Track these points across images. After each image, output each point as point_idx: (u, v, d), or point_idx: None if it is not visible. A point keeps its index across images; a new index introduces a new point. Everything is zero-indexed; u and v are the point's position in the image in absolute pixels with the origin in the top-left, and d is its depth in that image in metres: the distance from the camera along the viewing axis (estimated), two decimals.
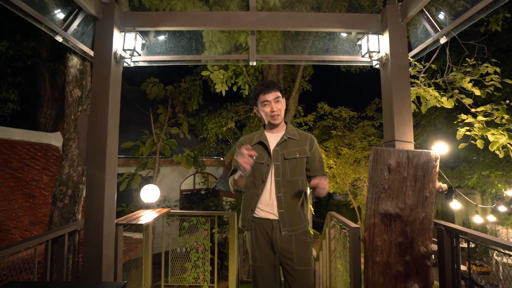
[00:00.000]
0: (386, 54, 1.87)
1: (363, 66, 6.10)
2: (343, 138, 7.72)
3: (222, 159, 9.24)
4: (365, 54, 1.94)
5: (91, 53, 2.01)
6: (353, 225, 2.09)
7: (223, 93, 3.86)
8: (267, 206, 1.55)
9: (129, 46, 1.87)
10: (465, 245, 1.64)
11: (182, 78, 6.22)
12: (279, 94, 1.57)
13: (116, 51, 1.85)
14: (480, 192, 6.33)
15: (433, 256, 1.65)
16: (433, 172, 1.70)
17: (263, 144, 1.61)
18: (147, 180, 6.33)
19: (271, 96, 1.56)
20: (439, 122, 6.45)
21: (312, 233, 6.42)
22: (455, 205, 2.79)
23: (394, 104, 1.80)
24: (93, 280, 1.64)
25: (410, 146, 1.79)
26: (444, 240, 1.65)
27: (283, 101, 1.61)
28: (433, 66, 2.18)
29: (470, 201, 2.81)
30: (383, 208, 1.70)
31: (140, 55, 1.96)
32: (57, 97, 5.30)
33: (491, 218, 4.25)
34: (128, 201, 6.05)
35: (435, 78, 2.20)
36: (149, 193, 2.76)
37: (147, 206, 2.75)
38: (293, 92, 5.67)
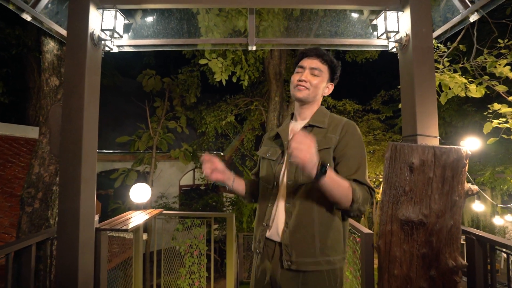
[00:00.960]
0: (406, 34, 1.60)
1: (375, 51, 5.80)
2: None
3: (222, 154, 9.01)
4: (382, 35, 1.68)
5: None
6: (365, 230, 1.86)
7: (224, 82, 3.59)
8: (275, 220, 1.09)
9: (108, 26, 1.62)
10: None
11: (180, 70, 5.94)
12: (320, 65, 1.12)
13: (93, 32, 1.60)
14: (490, 188, 6.09)
15: None
16: (462, 172, 1.45)
17: (279, 136, 1.20)
18: (144, 176, 6.12)
19: (309, 62, 1.12)
20: (448, 116, 6.17)
21: None
22: (478, 206, 2.54)
23: (416, 92, 1.54)
24: None
25: (435, 142, 1.54)
26: (476, 252, 1.41)
27: (324, 79, 1.14)
28: (461, 47, 1.88)
29: (492, 201, 2.56)
30: (404, 214, 1.46)
31: (121, 36, 1.71)
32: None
33: (509, 217, 3.98)
34: (125, 198, 5.86)
35: (459, 63, 1.93)
36: (140, 192, 2.53)
37: (137, 207, 2.53)
38: None
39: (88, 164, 1.58)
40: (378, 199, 8.32)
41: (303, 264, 1.01)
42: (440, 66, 1.91)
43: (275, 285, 1.05)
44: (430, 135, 1.53)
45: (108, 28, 1.61)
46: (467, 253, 1.47)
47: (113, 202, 6.30)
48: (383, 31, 1.64)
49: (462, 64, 1.90)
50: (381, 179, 8.29)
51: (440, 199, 1.42)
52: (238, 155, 8.24)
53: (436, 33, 1.72)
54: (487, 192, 5.84)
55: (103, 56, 1.87)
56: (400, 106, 2.30)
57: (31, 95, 4.95)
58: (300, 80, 1.11)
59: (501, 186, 5.70)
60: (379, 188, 8.65)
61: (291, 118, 1.25)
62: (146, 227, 4.16)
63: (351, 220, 2.26)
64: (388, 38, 1.67)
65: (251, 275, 1.19)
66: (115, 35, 1.67)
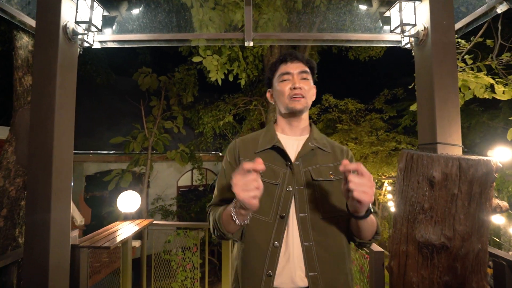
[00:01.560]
0: (424, 27, 1.40)
1: (381, 48, 5.58)
2: (349, 132, 7.25)
3: (220, 154, 8.82)
4: (396, 28, 1.47)
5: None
6: (375, 248, 1.67)
7: (219, 82, 3.39)
8: (287, 264, 0.86)
9: (83, 17, 1.41)
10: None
11: (176, 68, 5.74)
12: (306, 69, 1.00)
13: (66, 25, 1.40)
14: (497, 190, 5.89)
15: None
16: (491, 188, 1.25)
17: (279, 151, 0.95)
18: (140, 178, 5.93)
19: (295, 67, 0.98)
20: None
21: None
22: (497, 219, 2.35)
23: (435, 94, 1.34)
24: None
25: (457, 151, 1.34)
26: (507, 280, 1.22)
27: (311, 82, 1.01)
28: (488, 42, 1.67)
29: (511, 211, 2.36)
30: (423, 236, 1.26)
31: (100, 30, 1.50)
32: None
33: None
34: None
35: (477, 62, 1.72)
36: (128, 201, 2.34)
37: (126, 217, 2.34)
38: None
39: (61, 175, 1.39)
40: (381, 200, 8.13)
41: None
42: (461, 64, 1.71)
43: None
44: (452, 143, 1.33)
45: (83, 20, 1.41)
46: (495, 280, 1.28)
47: (108, 205, 6.13)
48: (398, 23, 1.44)
49: (486, 62, 1.69)
50: (383, 180, 8.09)
51: (466, 219, 1.22)
52: None
53: (457, 26, 1.52)
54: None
55: (81, 52, 1.67)
56: (412, 107, 2.10)
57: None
58: (294, 88, 0.95)
59: (509, 188, 5.51)
60: (382, 189, 8.46)
61: (274, 126, 1.06)
62: (141, 232, 3.99)
63: None
64: (402, 32, 1.47)
65: None
66: (92, 28, 1.47)
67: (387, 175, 7.54)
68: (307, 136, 1.01)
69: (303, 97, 0.96)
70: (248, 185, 0.68)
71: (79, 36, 1.51)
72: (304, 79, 0.98)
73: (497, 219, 2.43)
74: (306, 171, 0.93)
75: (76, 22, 1.42)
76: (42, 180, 1.33)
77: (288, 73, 0.98)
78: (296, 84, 0.95)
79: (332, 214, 0.91)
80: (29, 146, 1.34)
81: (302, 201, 0.90)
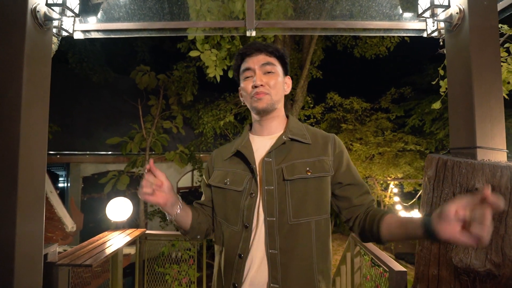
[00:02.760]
0: (460, 10, 1.18)
1: (391, 42, 5.28)
2: (354, 132, 7.03)
3: None
4: (425, 11, 1.25)
5: None
6: (396, 266, 1.44)
7: (218, 78, 3.18)
8: (254, 273, 0.79)
9: (57, 0, 1.20)
10: None
11: (175, 65, 5.53)
12: (270, 59, 0.88)
13: (35, 7, 1.19)
14: None
15: None
16: None
17: (242, 156, 0.88)
18: (137, 180, 5.74)
19: (256, 60, 0.87)
20: None
21: None
22: None
23: (474, 89, 1.12)
24: None
25: (502, 157, 1.12)
26: None
27: (280, 74, 0.90)
28: None
29: None
30: (462, 260, 1.05)
31: (77, 15, 1.29)
32: None
33: None
34: None
35: None
36: (118, 209, 2.13)
37: (116, 226, 2.13)
38: (301, 80, 4.95)
39: (30, 183, 1.18)
40: (386, 202, 7.89)
41: None
42: (503, 54, 1.48)
43: None
44: (495, 148, 1.11)
45: (56, 2, 1.20)
46: None
47: (106, 207, 5.94)
48: (427, 6, 1.21)
49: None
50: (389, 182, 7.86)
51: None
52: None
53: (499, 6, 1.29)
54: None
55: (59, 42, 1.46)
56: (435, 105, 1.87)
57: None
58: (255, 86, 0.85)
59: None
60: (387, 191, 8.22)
61: (250, 129, 0.99)
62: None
63: (372, 247, 1.85)
64: (433, 15, 1.24)
65: None
66: (68, 13, 1.26)
67: (393, 176, 7.31)
68: (281, 131, 0.92)
69: (267, 93, 0.86)
70: (142, 186, 0.75)
71: (54, 23, 1.30)
72: (269, 72, 0.87)
73: None
74: (278, 169, 0.84)
75: (48, 5, 1.21)
76: (5, 191, 1.12)
77: (249, 68, 0.88)
78: (257, 82, 0.85)
79: (304, 217, 0.81)
80: None
81: (271, 203, 0.81)
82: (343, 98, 6.85)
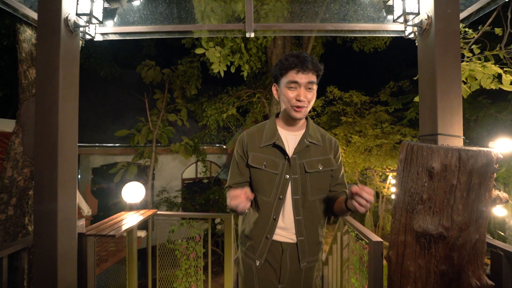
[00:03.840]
0: (428, 16, 1.38)
1: (387, 38, 5.45)
2: (353, 125, 7.21)
3: (224, 147, 8.85)
4: (399, 17, 1.45)
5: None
6: (374, 237, 1.68)
7: (222, 74, 3.38)
8: (282, 230, 1.16)
9: (84, 9, 1.42)
10: None
11: (179, 60, 5.72)
12: (314, 79, 1.09)
13: (67, 17, 1.41)
14: (503, 184, 5.83)
15: None
16: (491, 179, 1.25)
17: (280, 148, 1.15)
18: (145, 170, 6.01)
19: (305, 77, 1.06)
20: None
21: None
22: (499, 211, 2.33)
23: (438, 84, 1.33)
24: None
25: (459, 142, 1.33)
26: (504, 271, 1.22)
27: (315, 90, 1.12)
28: (497, 30, 1.61)
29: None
30: (420, 226, 1.27)
31: (101, 22, 1.51)
32: None
33: None
34: None
35: (486, 50, 1.68)
36: (133, 192, 2.38)
37: (130, 207, 2.39)
38: None
39: (66, 165, 1.43)
40: (385, 193, 8.11)
41: (312, 262, 1.20)
42: (468, 54, 1.67)
43: (283, 277, 1.17)
44: (453, 134, 1.32)
45: (84, 12, 1.42)
46: (493, 270, 1.29)
47: (114, 197, 6.24)
48: (401, 13, 1.42)
49: (494, 51, 1.64)
50: (388, 173, 8.06)
51: (464, 210, 1.23)
52: None
53: (463, 14, 1.49)
54: (500, 188, 5.59)
55: (83, 45, 1.68)
56: (416, 99, 2.07)
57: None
58: (299, 100, 1.07)
59: None
60: (386, 182, 8.43)
61: (276, 120, 1.23)
62: (147, 223, 4.08)
63: (356, 223, 2.09)
64: (406, 21, 1.45)
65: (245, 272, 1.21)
66: (94, 20, 1.48)
67: (392, 168, 7.50)
68: (303, 131, 1.19)
69: (305, 107, 1.09)
70: (239, 201, 0.96)
71: (81, 29, 1.52)
72: (310, 89, 1.09)
73: (498, 211, 2.41)
74: (300, 164, 1.14)
75: (77, 14, 1.43)
76: (48, 171, 1.37)
77: (296, 82, 1.07)
78: (301, 97, 1.06)
79: (317, 196, 1.17)
80: (34, 137, 1.38)
81: (296, 186, 1.14)
82: (342, 92, 7.01)
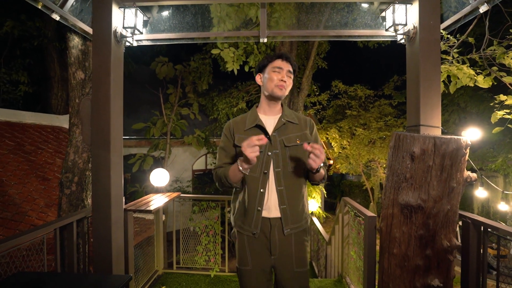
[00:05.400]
0: (414, 27, 1.65)
1: (384, 41, 5.67)
2: (358, 118, 7.44)
3: None
4: (390, 27, 1.72)
5: (91, 31, 1.89)
6: (369, 213, 1.99)
7: (235, 72, 3.68)
8: (268, 202, 1.31)
9: (129, 23, 1.73)
10: None
11: (192, 57, 6.02)
12: (292, 70, 1.37)
13: (116, 30, 1.72)
14: (503, 176, 6.03)
15: None
16: (462, 161, 1.54)
17: (261, 128, 1.34)
18: (159, 161, 6.39)
19: (286, 66, 1.34)
20: (462, 101, 6.04)
21: (324, 216, 6.35)
22: (480, 193, 2.61)
23: (421, 84, 1.61)
24: (104, 268, 1.65)
25: (437, 132, 1.62)
26: (470, 235, 1.52)
27: (291, 80, 1.38)
28: (470, 39, 1.89)
29: (496, 187, 2.60)
30: (404, 199, 1.58)
31: (141, 33, 1.83)
32: (66, 78, 5.21)
33: None
34: (142, 182, 6.16)
35: (468, 54, 1.94)
36: (159, 177, 2.73)
37: (157, 190, 2.74)
38: (307, 70, 5.38)
39: (115, 151, 1.76)
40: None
41: (295, 228, 1.33)
42: (449, 58, 1.93)
43: (274, 247, 1.31)
44: (432, 125, 1.61)
45: (129, 25, 1.73)
46: (462, 234, 1.59)
47: (131, 186, 6.65)
48: (391, 23, 1.69)
49: (470, 55, 1.90)
50: None
51: (438, 185, 1.53)
52: None
53: (444, 24, 1.75)
54: (499, 179, 5.80)
55: (124, 51, 2.00)
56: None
57: (52, 85, 5.17)
58: (282, 80, 1.31)
59: None
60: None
61: (257, 109, 1.42)
62: (164, 209, 4.46)
63: (355, 203, 2.39)
64: (396, 30, 1.72)
65: (244, 258, 1.34)
66: (136, 32, 1.79)
67: None
68: (279, 114, 1.39)
69: (285, 88, 1.33)
70: (254, 149, 1.10)
71: (124, 38, 1.83)
72: (289, 76, 1.35)
73: (480, 193, 2.69)
74: (280, 140, 1.33)
75: (124, 27, 1.75)
76: (103, 155, 1.70)
77: (280, 67, 1.33)
78: (284, 78, 1.32)
79: (297, 168, 1.33)
80: (91, 128, 1.71)
81: (277, 160, 1.31)
82: (347, 86, 7.23)
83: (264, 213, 1.31)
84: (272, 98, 1.35)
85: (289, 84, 1.36)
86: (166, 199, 2.62)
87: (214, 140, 7.39)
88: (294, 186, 1.33)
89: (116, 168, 1.76)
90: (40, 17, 4.57)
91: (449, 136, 1.51)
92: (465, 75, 1.73)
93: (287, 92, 1.37)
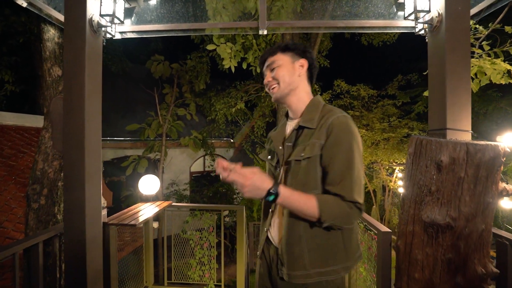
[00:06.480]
0: (439, 14, 1.41)
1: (398, 33, 5.43)
2: (360, 118, 7.20)
3: (232, 140, 8.95)
4: (410, 15, 1.48)
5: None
6: (383, 228, 1.75)
7: (232, 70, 3.44)
8: (273, 226, 1.09)
9: (107, 10, 1.50)
10: None
11: (188, 55, 5.78)
12: (273, 58, 1.06)
13: (92, 17, 1.49)
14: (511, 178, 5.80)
15: None
16: (498, 171, 1.30)
17: (272, 140, 1.15)
18: (155, 163, 6.15)
19: (265, 65, 1.11)
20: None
21: None
22: (507, 203, 2.38)
23: (447, 81, 1.37)
24: None
25: (467, 137, 1.38)
26: (509, 259, 1.28)
27: (285, 63, 1.05)
28: (507, 28, 1.63)
29: None
30: (428, 216, 1.34)
31: (122, 22, 1.59)
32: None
33: None
34: (136, 184, 5.92)
35: (498, 47, 1.70)
36: (149, 184, 2.49)
37: (146, 198, 2.50)
38: None
39: (92, 158, 1.52)
40: (391, 187, 8.13)
41: (293, 277, 0.99)
42: (477, 50, 1.69)
43: None
44: (461, 129, 1.37)
45: (107, 13, 1.49)
46: (498, 259, 1.35)
47: (125, 190, 6.41)
48: (412, 10, 1.45)
49: (504, 47, 1.66)
50: (394, 167, 8.06)
51: (471, 201, 1.28)
52: (248, 142, 8.17)
53: (473, 11, 1.51)
54: (510, 182, 5.57)
55: (104, 43, 1.76)
56: (425, 93, 2.10)
57: (41, 84, 4.90)
58: (266, 84, 1.10)
59: None
60: (393, 176, 8.43)
61: (286, 117, 1.18)
62: (158, 215, 4.22)
63: (365, 215, 2.15)
64: (416, 18, 1.48)
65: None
66: (116, 20, 1.55)
67: (399, 162, 7.51)
68: (300, 118, 1.06)
69: (277, 85, 1.06)
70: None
71: (103, 28, 1.60)
72: (273, 69, 1.07)
73: (505, 204, 2.46)
74: (286, 154, 1.05)
75: (101, 15, 1.51)
76: (76, 164, 1.46)
77: (263, 73, 1.14)
78: (265, 81, 1.10)
79: (304, 189, 0.97)
80: (63, 132, 1.47)
81: (285, 178, 1.03)
82: (350, 85, 6.99)
83: (270, 235, 1.10)
84: (280, 102, 1.12)
85: (280, 74, 1.05)
86: (156, 209, 2.38)
87: (213, 141, 7.15)
88: (294, 218, 0.99)
89: (92, 178, 1.52)
90: (25, 12, 4.32)
91: (484, 142, 1.26)
92: (496, 71, 1.50)
93: (283, 86, 1.05)
